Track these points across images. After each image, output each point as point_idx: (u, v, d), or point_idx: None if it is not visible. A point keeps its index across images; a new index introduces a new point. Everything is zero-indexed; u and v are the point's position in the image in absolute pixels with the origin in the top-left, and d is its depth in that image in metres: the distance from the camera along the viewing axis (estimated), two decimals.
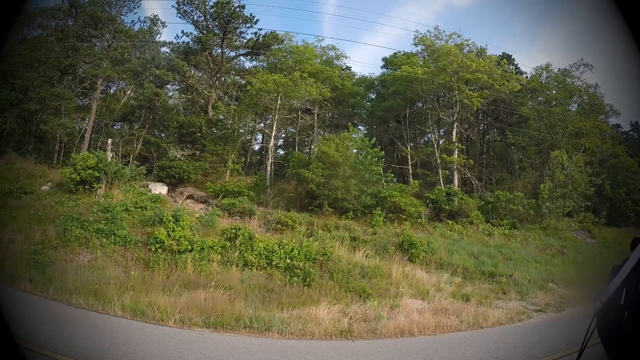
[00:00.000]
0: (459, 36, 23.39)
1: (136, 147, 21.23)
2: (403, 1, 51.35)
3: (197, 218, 14.90)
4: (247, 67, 25.68)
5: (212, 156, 20.39)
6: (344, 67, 28.12)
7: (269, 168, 20.75)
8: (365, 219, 17.60)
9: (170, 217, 13.51)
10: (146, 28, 24.43)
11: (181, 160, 19.63)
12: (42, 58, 20.58)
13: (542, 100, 25.43)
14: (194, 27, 22.67)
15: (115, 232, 12.89)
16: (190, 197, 18.08)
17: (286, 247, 13.25)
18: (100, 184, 15.67)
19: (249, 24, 22.35)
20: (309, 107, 24.74)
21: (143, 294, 9.65)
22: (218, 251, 13.03)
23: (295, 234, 14.90)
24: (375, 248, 14.86)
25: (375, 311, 10.17)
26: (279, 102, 20.42)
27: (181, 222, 13.41)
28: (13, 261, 10.52)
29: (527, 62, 49.44)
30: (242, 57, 25.31)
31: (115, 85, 26.34)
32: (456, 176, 22.43)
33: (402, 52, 27.04)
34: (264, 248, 13.19)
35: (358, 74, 28.45)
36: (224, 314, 8.88)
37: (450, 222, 18.71)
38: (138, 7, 23.79)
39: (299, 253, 13.10)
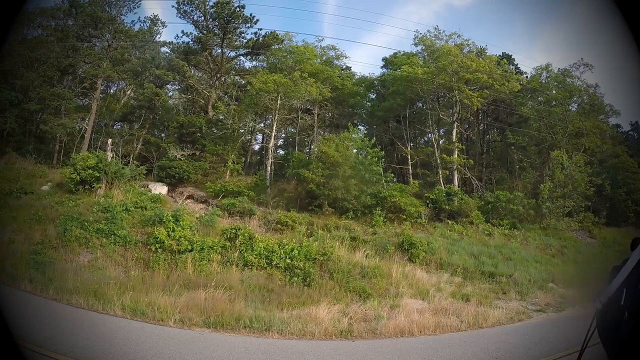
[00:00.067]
0: (459, 36, 23.44)
1: (136, 147, 21.23)
2: (403, 1, 51.40)
3: (197, 218, 14.90)
4: (247, 67, 25.72)
5: (212, 156, 20.39)
6: (344, 67, 28.19)
7: (269, 168, 20.75)
8: (365, 219, 17.60)
9: (170, 217, 13.50)
10: (146, 28, 24.44)
11: (181, 160, 19.63)
12: (42, 58, 20.57)
13: (542, 100, 25.43)
14: (194, 27, 22.72)
15: (115, 232, 12.89)
16: (190, 197, 18.08)
17: (286, 247, 13.24)
18: (100, 184, 15.67)
19: (249, 24, 22.38)
20: (309, 107, 24.74)
21: (143, 294, 9.64)
22: (218, 251, 13.02)
23: (295, 234, 14.90)
24: (375, 248, 14.86)
25: (375, 311, 10.17)
26: (279, 102, 20.42)
27: (181, 222, 13.41)
28: (13, 261, 10.51)
29: (527, 62, 49.52)
30: (242, 57, 25.37)
31: (115, 85, 26.37)
32: (456, 176, 22.43)
33: (402, 52, 27.09)
34: (264, 248, 13.18)
35: (358, 74, 28.54)
36: (224, 314, 8.87)
37: (450, 222, 18.71)
38: (138, 7, 23.83)
39: (299, 253, 13.10)
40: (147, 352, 6.46)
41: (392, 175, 21.27)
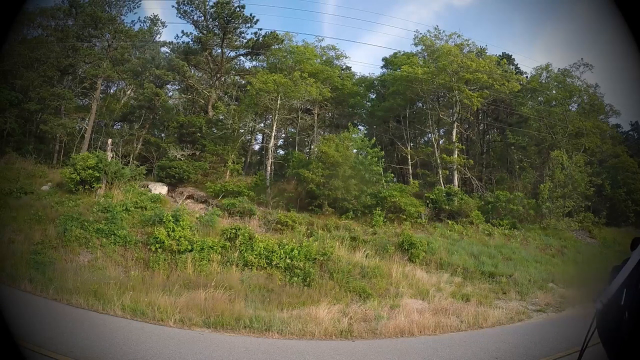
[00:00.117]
0: (459, 36, 23.45)
1: (136, 147, 21.23)
2: (403, 1, 51.42)
3: (197, 218, 14.90)
4: (247, 67, 25.72)
5: (212, 156, 20.39)
6: (344, 67, 28.19)
7: (269, 168, 20.76)
8: (365, 219, 17.60)
9: (170, 217, 13.50)
10: (146, 28, 24.44)
11: (181, 160, 19.63)
12: (42, 58, 20.57)
13: (542, 100, 25.43)
14: (194, 27, 22.72)
15: (115, 232, 12.89)
16: (190, 197, 18.08)
17: (286, 247, 13.24)
18: (100, 184, 15.67)
19: (249, 24, 22.39)
20: (309, 107, 24.74)
21: (143, 294, 9.64)
22: (218, 251, 13.02)
23: (295, 234, 14.90)
24: (375, 248, 14.86)
25: (375, 311, 10.16)
26: (279, 102, 20.42)
27: (181, 222, 13.40)
28: (13, 261, 10.51)
29: (527, 62, 49.55)
30: (242, 57, 25.38)
31: (115, 85, 26.37)
32: (456, 176, 22.44)
33: (402, 52, 27.10)
34: (264, 248, 13.18)
35: (358, 74, 28.55)
36: (224, 314, 8.87)
37: (450, 222, 18.71)
38: (138, 7, 23.84)
39: (299, 253, 13.10)
40: (147, 352, 6.46)
41: (392, 175, 21.27)
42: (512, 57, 27.01)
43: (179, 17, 22.26)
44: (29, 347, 5.49)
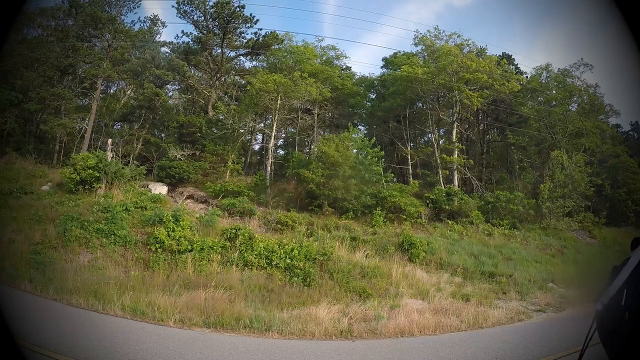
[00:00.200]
0: (459, 36, 23.44)
1: (136, 147, 21.23)
2: (403, 1, 51.45)
3: (197, 218, 14.90)
4: (247, 67, 25.72)
5: (212, 156, 20.39)
6: (344, 67, 28.18)
7: (269, 168, 20.76)
8: (365, 219, 17.60)
9: (170, 217, 13.50)
10: (146, 28, 24.46)
11: (181, 160, 19.64)
12: (42, 58, 20.58)
13: (542, 100, 25.43)
14: (194, 27, 22.74)
15: (115, 232, 12.89)
16: (190, 197, 18.07)
17: (286, 247, 13.24)
18: (100, 184, 15.67)
19: (249, 24, 22.41)
20: (309, 107, 24.73)
21: (143, 294, 9.64)
22: (218, 251, 13.02)
23: (295, 234, 14.89)
24: (375, 248, 14.86)
25: (375, 311, 10.16)
26: (279, 102, 20.42)
27: (181, 222, 13.41)
28: (13, 261, 10.51)
29: (527, 62, 49.64)
30: (242, 57, 25.38)
31: (115, 85, 26.35)
32: (456, 176, 22.43)
33: (402, 52, 27.10)
34: (264, 248, 13.18)
35: (358, 74, 28.53)
36: (224, 314, 8.87)
37: (450, 222, 18.71)
38: (138, 7, 23.86)
39: (299, 253, 13.09)
40: (147, 352, 6.46)
41: (392, 175, 21.27)
42: (512, 57, 27.07)
43: (179, 17, 22.32)
44: (29, 347, 5.50)
